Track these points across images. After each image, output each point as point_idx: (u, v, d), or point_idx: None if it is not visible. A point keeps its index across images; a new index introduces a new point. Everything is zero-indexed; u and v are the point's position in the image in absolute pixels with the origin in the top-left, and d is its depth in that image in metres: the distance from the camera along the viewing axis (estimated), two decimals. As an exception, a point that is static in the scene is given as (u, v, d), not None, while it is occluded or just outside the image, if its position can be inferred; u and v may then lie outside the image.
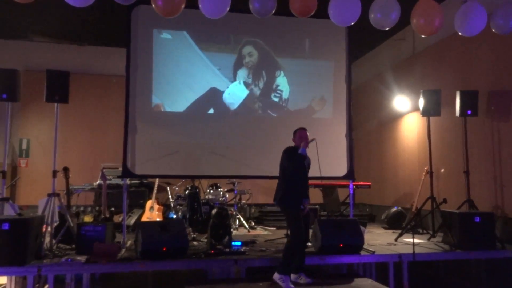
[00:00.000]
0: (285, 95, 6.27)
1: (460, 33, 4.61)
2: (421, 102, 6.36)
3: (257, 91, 6.21)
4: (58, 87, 5.21)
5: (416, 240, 4.99)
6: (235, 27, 6.17)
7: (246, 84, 6.18)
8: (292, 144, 4.64)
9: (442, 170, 6.87)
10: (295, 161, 4.43)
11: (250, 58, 6.22)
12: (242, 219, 7.40)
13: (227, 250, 4.96)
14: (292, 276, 4.38)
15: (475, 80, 6.28)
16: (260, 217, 8.39)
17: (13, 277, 5.01)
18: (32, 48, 8.76)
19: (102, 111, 8.98)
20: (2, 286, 5.23)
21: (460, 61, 6.61)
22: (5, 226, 4.19)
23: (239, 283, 4.24)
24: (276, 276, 4.27)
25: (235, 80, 6.14)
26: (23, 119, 8.69)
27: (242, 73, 6.18)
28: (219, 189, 7.14)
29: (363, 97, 9.43)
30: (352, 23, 4.51)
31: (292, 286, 4.18)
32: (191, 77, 6.05)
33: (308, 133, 4.59)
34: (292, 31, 6.31)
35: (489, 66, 6.07)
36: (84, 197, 7.93)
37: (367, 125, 9.46)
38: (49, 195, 5.14)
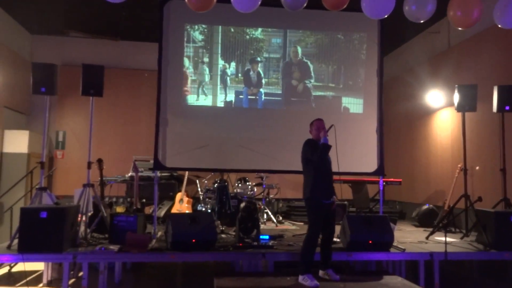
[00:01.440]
0: (315, 89, 6.22)
1: (499, 26, 4.44)
2: (456, 97, 6.17)
3: (287, 86, 6.19)
4: (93, 81, 5.36)
5: (448, 239, 4.88)
6: (266, 20, 6.17)
7: (277, 79, 6.17)
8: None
9: (477, 168, 6.65)
10: (320, 152, 4.28)
11: (281, 52, 6.20)
12: (270, 213, 7.42)
13: (255, 243, 4.99)
14: (320, 272, 4.37)
15: (514, 74, 6.04)
16: (287, 211, 8.39)
17: (50, 264, 5.25)
18: (69, 43, 9.04)
19: (134, 104, 9.17)
20: (39, 272, 5.48)
21: (498, 55, 6.36)
22: (43, 215, 4.37)
23: (267, 277, 4.27)
24: (300, 278, 4.22)
25: (265, 74, 6.14)
26: (59, 112, 8.99)
27: (272, 67, 6.17)
28: (248, 183, 7.18)
29: (394, 92, 9.23)
30: (386, 16, 4.42)
31: (316, 283, 4.09)
32: (222, 70, 6.09)
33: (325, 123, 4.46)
34: (323, 25, 6.24)
35: (529, 60, 5.82)
36: (116, 188, 8.14)
37: (397, 120, 9.27)
38: (84, 185, 5.32)
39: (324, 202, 4.30)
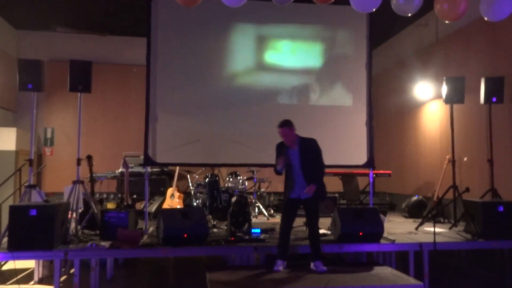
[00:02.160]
0: (305, 84, 6.23)
1: (486, 18, 4.48)
2: (444, 90, 6.24)
3: (277, 80, 6.18)
4: (81, 77, 5.31)
5: (437, 229, 4.95)
6: (254, 15, 6.14)
7: (267, 73, 6.16)
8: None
9: (465, 159, 6.74)
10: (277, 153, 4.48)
11: (270, 45, 6.20)
12: (261, 207, 7.45)
13: (246, 237, 5.02)
14: (311, 265, 4.41)
15: (501, 66, 6.11)
16: (279, 205, 8.41)
17: (41, 261, 5.22)
18: (56, 39, 8.93)
19: (124, 100, 9.12)
20: (30, 270, 5.45)
21: (485, 47, 6.43)
22: (33, 212, 4.33)
23: (259, 270, 4.29)
24: None
25: (255, 68, 6.13)
26: (47, 108, 8.90)
27: (262, 62, 6.16)
28: (239, 177, 7.20)
29: (383, 85, 9.29)
30: (374, 10, 4.44)
31: (278, 268, 4.28)
32: (211, 66, 6.07)
33: (282, 133, 4.43)
34: (311, 19, 6.24)
35: (515, 52, 5.89)
36: (106, 184, 8.10)
37: (387, 113, 9.34)
38: (74, 182, 5.29)
39: (291, 198, 4.44)
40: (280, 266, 4.33)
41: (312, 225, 4.49)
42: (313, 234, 4.49)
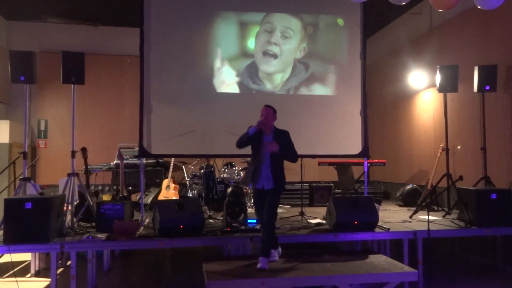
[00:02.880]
0: (299, 73, 6.21)
1: (479, 7, 4.48)
2: (438, 78, 6.25)
3: (272, 70, 6.17)
4: (74, 69, 5.26)
5: (431, 217, 5.00)
6: (248, 3, 6.12)
7: (262, 62, 6.14)
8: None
9: (459, 147, 6.79)
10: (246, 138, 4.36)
11: (265, 34, 6.16)
12: (257, 197, 7.46)
13: (242, 227, 5.03)
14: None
15: (494, 54, 6.13)
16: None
17: (37, 254, 5.22)
18: (47, 29, 8.82)
19: (118, 91, 9.06)
20: (26, 263, 5.45)
21: (479, 35, 6.44)
22: (28, 205, 4.32)
23: (255, 259, 4.32)
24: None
25: (250, 58, 6.11)
26: (40, 100, 8.82)
27: (257, 51, 6.13)
28: (234, 168, 7.20)
29: (377, 74, 9.30)
30: (368, -1, 4.42)
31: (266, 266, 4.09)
32: (205, 55, 6.04)
33: (265, 112, 4.39)
34: (304, 8, 6.21)
35: (508, 41, 5.90)
36: (102, 176, 8.09)
37: (381, 102, 9.36)
38: (69, 174, 5.27)
39: (256, 188, 4.37)
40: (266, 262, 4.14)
41: (265, 216, 4.25)
42: (262, 225, 4.34)
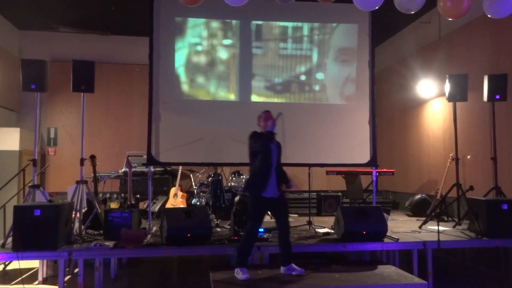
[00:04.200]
0: (307, 82, 6.22)
1: (489, 15, 4.46)
2: (447, 87, 6.21)
3: (280, 79, 6.18)
4: (84, 77, 5.31)
5: (441, 228, 4.93)
6: (257, 13, 6.14)
7: (269, 72, 6.15)
8: None
9: (469, 157, 6.72)
10: (264, 140, 4.20)
11: (273, 44, 6.19)
12: (264, 206, 7.43)
13: (250, 236, 5.00)
14: (282, 269, 4.24)
15: (504, 63, 6.08)
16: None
17: (45, 261, 5.24)
18: (58, 39, 8.94)
19: (126, 99, 9.13)
20: (34, 270, 5.47)
21: (488, 44, 6.40)
22: (37, 212, 4.34)
23: (262, 269, 4.29)
24: (235, 271, 4.11)
25: (258, 66, 6.13)
26: (50, 108, 8.92)
27: (265, 59, 6.15)
28: (241, 176, 7.20)
29: (386, 82, 9.27)
30: (377, 7, 4.42)
31: (247, 276, 4.01)
32: (213, 64, 6.07)
33: (269, 116, 4.34)
34: (314, 17, 6.23)
35: (519, 49, 5.86)
36: (110, 184, 8.12)
37: (390, 111, 9.32)
38: (78, 182, 5.29)
39: (263, 196, 4.16)
40: (246, 273, 4.05)
41: (287, 227, 4.29)
42: (285, 236, 4.26)
